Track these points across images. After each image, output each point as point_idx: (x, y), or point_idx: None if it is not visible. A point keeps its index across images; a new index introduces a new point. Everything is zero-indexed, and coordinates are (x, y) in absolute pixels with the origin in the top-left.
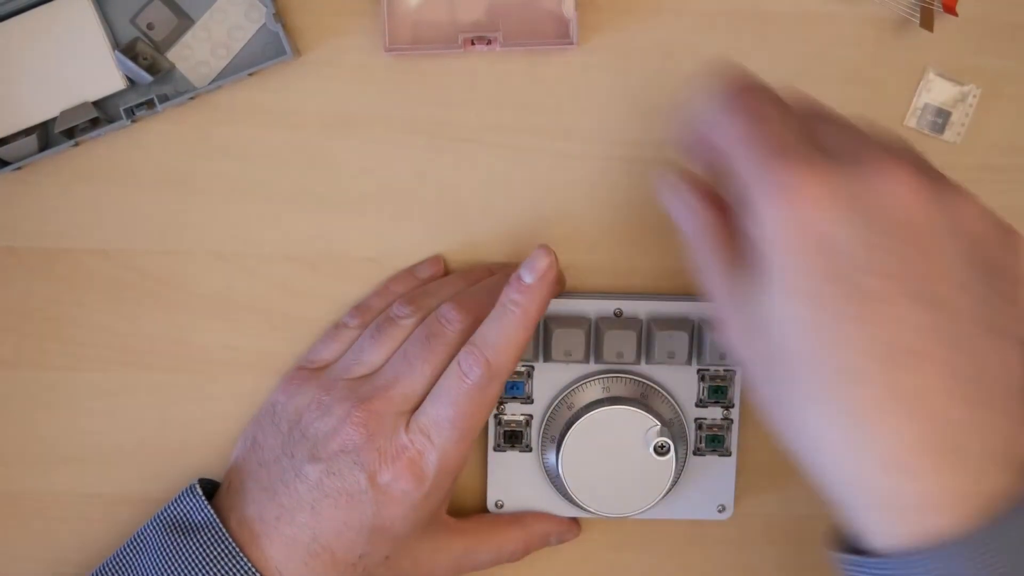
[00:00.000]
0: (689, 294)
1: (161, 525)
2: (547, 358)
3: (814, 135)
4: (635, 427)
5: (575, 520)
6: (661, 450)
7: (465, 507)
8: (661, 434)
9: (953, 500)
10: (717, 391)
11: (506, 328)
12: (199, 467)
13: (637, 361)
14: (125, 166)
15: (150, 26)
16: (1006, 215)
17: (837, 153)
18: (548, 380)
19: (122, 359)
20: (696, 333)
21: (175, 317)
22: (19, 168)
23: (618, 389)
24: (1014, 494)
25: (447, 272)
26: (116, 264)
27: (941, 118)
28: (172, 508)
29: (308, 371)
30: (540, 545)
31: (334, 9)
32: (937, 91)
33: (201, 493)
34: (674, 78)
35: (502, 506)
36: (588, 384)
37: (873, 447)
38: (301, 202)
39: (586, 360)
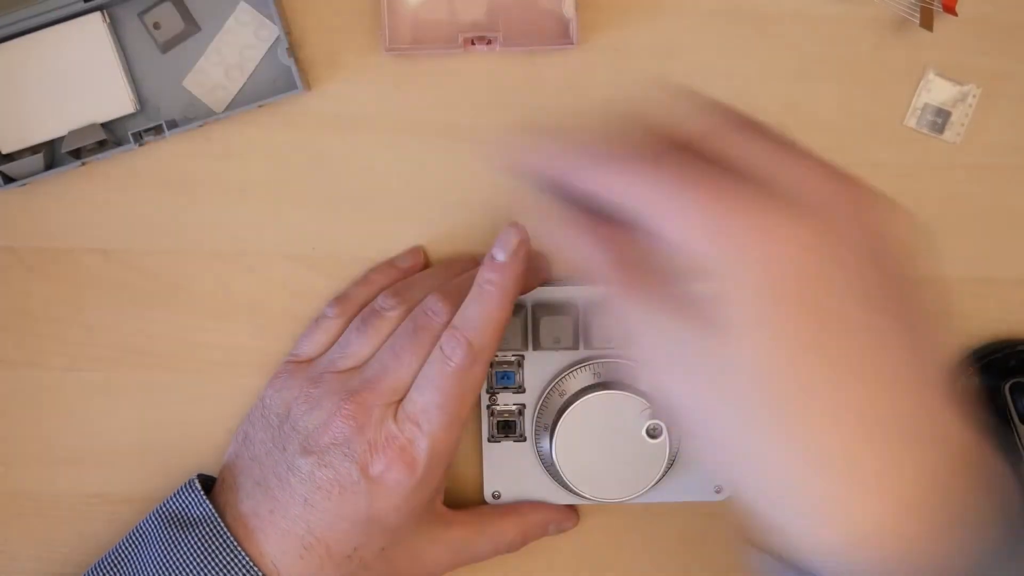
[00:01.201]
0: None
1: (160, 519)
2: (536, 346)
3: (742, 159)
4: (627, 411)
5: (573, 509)
6: (653, 433)
7: (461, 499)
8: (653, 417)
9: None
10: None
11: (484, 307)
12: (199, 467)
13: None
14: (125, 166)
15: (156, 25)
16: (1006, 215)
17: (783, 184)
18: (539, 369)
19: (122, 359)
20: None
21: (175, 317)
22: (24, 185)
23: (609, 374)
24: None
25: (427, 262)
26: (116, 264)
27: (941, 118)
28: (171, 503)
29: (294, 364)
30: (539, 535)
31: (334, 9)
32: (937, 91)
33: (200, 488)
34: (674, 78)
35: (499, 496)
36: (579, 370)
37: (827, 452)
38: (301, 202)
39: (575, 347)
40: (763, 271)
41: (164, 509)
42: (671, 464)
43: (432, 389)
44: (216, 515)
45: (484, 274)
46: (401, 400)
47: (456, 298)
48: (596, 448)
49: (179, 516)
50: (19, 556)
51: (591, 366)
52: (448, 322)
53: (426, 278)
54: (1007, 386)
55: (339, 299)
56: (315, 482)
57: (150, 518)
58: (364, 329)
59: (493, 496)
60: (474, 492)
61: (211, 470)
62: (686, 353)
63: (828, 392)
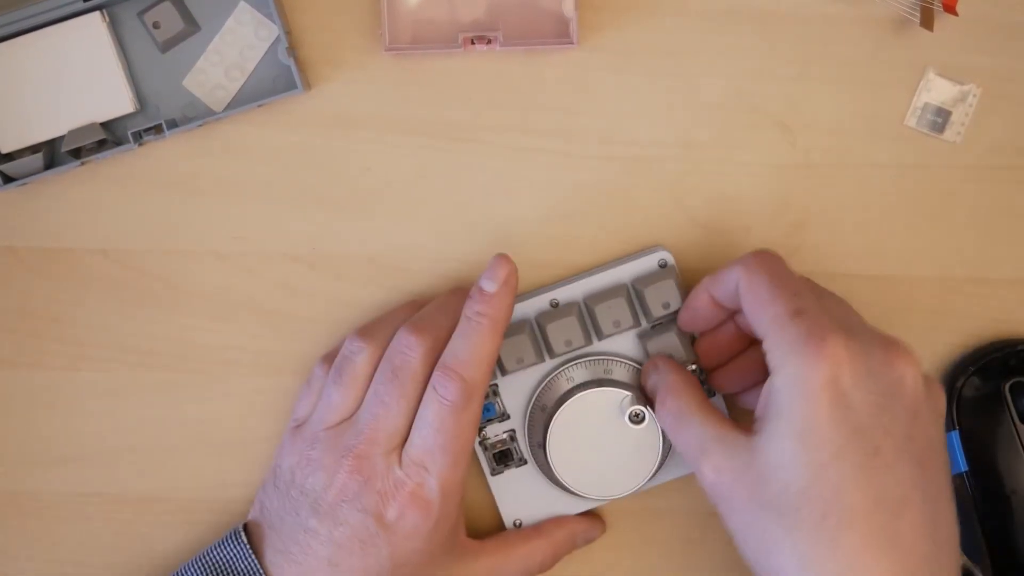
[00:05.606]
0: (616, 258)
1: (204, 568)
2: (504, 372)
3: (825, 306)
4: (609, 404)
5: (598, 517)
6: (637, 418)
7: (486, 532)
8: (633, 403)
9: None
10: None
11: (475, 341)
12: (198, 467)
13: (589, 342)
14: (125, 166)
15: (156, 25)
16: (1006, 215)
17: (854, 330)
18: (514, 391)
19: (122, 359)
20: (632, 295)
21: (175, 317)
22: (24, 184)
23: (582, 375)
24: None
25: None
26: (116, 264)
27: (941, 118)
28: (215, 552)
29: (294, 428)
30: (568, 550)
31: (334, 9)
32: (937, 91)
33: (246, 541)
34: (674, 78)
35: (520, 524)
36: (552, 381)
37: None
38: (301, 202)
39: (541, 359)
40: (827, 379)
41: (208, 558)
42: (665, 440)
43: (432, 431)
44: (262, 571)
45: (473, 307)
46: (400, 444)
47: (426, 328)
48: (592, 449)
49: (224, 567)
50: (19, 556)
51: (562, 373)
52: (423, 354)
53: (394, 314)
54: (1007, 386)
55: (325, 356)
56: (335, 542)
57: (192, 565)
58: (340, 379)
59: (515, 525)
60: (495, 527)
61: (210, 470)
62: (734, 449)
63: (871, 520)
